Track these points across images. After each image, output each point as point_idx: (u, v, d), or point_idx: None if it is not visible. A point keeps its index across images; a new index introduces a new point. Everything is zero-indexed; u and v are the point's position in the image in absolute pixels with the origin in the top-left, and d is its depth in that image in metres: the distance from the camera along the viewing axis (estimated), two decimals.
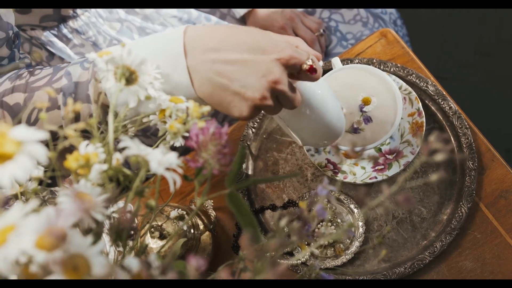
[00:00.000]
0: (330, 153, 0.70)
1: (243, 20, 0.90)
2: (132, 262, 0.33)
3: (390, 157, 0.68)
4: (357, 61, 0.72)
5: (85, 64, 0.51)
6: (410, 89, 0.68)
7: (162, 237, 0.64)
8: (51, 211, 0.31)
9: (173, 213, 0.65)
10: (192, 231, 0.66)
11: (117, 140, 0.40)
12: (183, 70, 0.47)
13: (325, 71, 0.70)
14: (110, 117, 0.40)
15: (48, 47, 0.76)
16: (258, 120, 0.73)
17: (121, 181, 0.39)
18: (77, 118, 0.51)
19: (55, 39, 0.75)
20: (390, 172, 0.68)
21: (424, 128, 0.67)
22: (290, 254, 0.68)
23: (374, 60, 0.71)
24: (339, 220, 0.69)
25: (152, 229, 0.63)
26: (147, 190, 0.39)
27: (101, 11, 0.77)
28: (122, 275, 0.32)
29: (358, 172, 0.69)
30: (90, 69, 0.50)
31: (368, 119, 0.65)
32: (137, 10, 0.81)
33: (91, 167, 0.37)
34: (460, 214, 0.66)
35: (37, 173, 0.44)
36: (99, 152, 0.38)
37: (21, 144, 0.31)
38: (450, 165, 0.69)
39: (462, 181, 0.68)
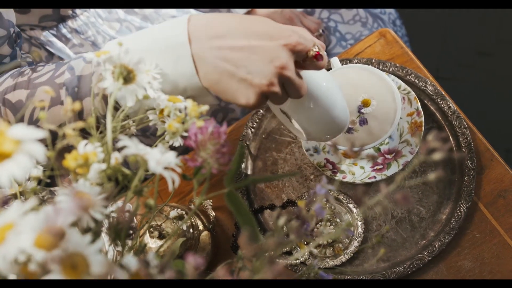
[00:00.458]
0: (329, 152, 0.71)
1: None
2: (131, 261, 0.33)
3: (389, 156, 0.68)
4: (356, 61, 0.72)
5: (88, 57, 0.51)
6: (409, 89, 0.69)
7: (161, 236, 0.64)
8: (50, 210, 0.31)
9: (173, 213, 0.65)
10: (191, 230, 0.66)
11: (115, 140, 0.40)
12: (187, 59, 0.46)
13: None
14: (108, 117, 0.40)
15: (47, 47, 0.76)
16: (257, 120, 0.73)
17: (120, 181, 0.39)
18: (81, 113, 0.51)
19: (54, 39, 0.75)
20: (389, 172, 0.68)
21: (423, 127, 0.67)
22: (289, 253, 0.68)
23: (373, 60, 0.71)
24: (338, 220, 0.69)
25: (151, 228, 0.63)
26: (146, 190, 0.39)
27: (100, 11, 0.77)
28: (121, 274, 0.32)
29: (357, 171, 0.69)
30: (93, 61, 0.50)
31: (363, 121, 0.65)
32: (136, 10, 0.81)
33: (90, 167, 0.37)
34: (459, 213, 0.66)
35: (36, 172, 0.44)
36: (98, 151, 0.38)
37: (20, 143, 0.31)
38: (449, 164, 0.69)
39: (461, 181, 0.68)
